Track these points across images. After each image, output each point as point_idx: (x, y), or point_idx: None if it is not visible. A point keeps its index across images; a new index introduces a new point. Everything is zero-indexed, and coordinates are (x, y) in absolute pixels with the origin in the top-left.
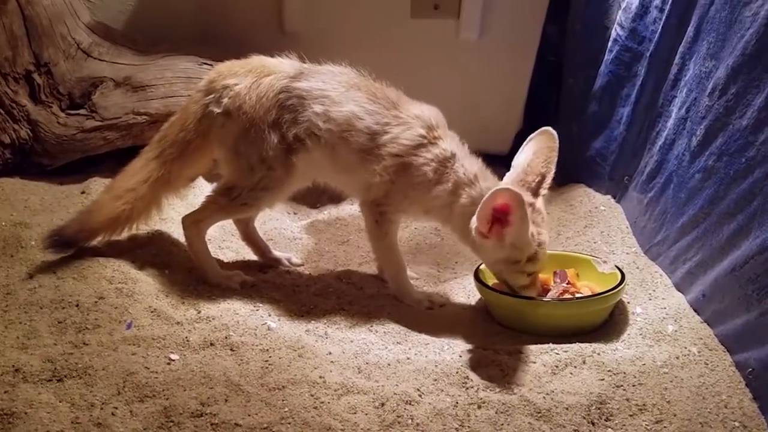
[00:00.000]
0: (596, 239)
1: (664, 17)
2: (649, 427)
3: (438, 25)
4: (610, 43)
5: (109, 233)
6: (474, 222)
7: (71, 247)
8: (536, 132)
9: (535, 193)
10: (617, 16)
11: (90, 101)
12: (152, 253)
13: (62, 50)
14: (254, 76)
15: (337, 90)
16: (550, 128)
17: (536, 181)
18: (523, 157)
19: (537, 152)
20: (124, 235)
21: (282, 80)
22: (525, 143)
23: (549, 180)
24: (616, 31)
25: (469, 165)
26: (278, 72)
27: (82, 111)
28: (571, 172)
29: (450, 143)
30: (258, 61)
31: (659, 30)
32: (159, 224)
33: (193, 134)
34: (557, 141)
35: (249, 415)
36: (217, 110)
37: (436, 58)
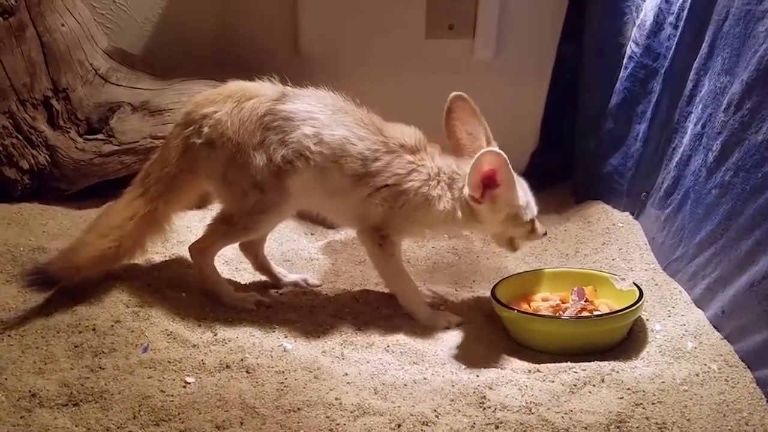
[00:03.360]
0: (614, 256)
1: (678, 33)
2: None
3: (453, 45)
4: (625, 60)
5: (91, 271)
6: (466, 191)
7: (53, 285)
8: (448, 107)
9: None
10: (632, 33)
11: (107, 126)
12: (169, 276)
13: (80, 76)
14: (234, 102)
15: (324, 112)
16: (456, 94)
17: (487, 138)
18: (459, 132)
19: (464, 119)
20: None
21: (265, 103)
22: (446, 119)
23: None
24: (631, 48)
25: (447, 167)
26: (260, 95)
27: (99, 136)
28: (589, 189)
29: (434, 159)
30: (236, 86)
31: (674, 46)
32: (176, 247)
33: (176, 169)
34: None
35: None
36: (198, 141)
37: (451, 78)
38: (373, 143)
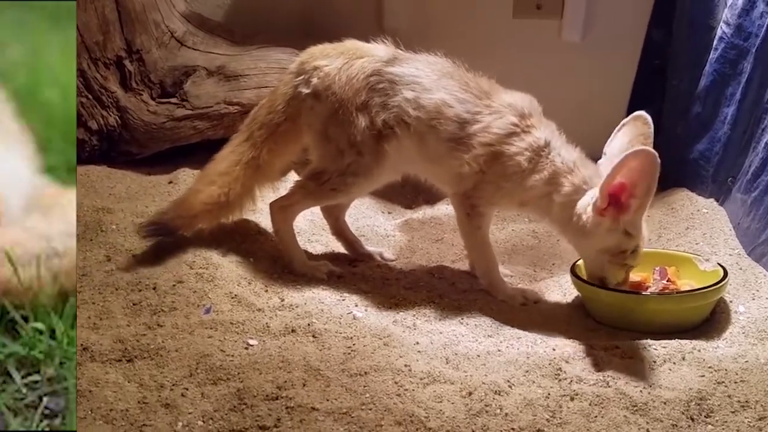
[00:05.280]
0: (698, 241)
1: None
2: (752, 424)
3: (540, 25)
4: (715, 42)
5: (206, 220)
6: (590, 199)
7: (171, 234)
8: (628, 117)
9: None
10: (723, 14)
11: (181, 90)
12: (237, 240)
13: (155, 38)
14: (346, 58)
15: (429, 77)
16: (643, 112)
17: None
18: (613, 148)
19: (631, 141)
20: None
21: (374, 63)
22: (616, 130)
23: None
24: (721, 29)
25: (567, 153)
26: (371, 55)
27: (172, 99)
28: (674, 176)
29: (544, 131)
30: (351, 44)
31: (766, 24)
32: (246, 213)
33: (281, 116)
34: (652, 126)
35: (327, 400)
36: (306, 91)
37: (537, 59)
38: (474, 106)
